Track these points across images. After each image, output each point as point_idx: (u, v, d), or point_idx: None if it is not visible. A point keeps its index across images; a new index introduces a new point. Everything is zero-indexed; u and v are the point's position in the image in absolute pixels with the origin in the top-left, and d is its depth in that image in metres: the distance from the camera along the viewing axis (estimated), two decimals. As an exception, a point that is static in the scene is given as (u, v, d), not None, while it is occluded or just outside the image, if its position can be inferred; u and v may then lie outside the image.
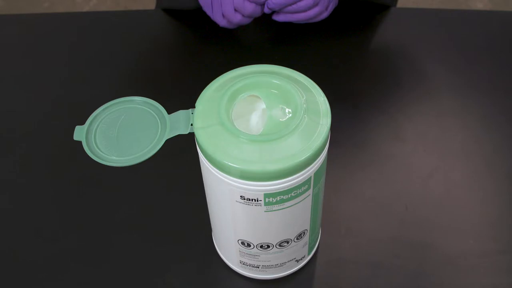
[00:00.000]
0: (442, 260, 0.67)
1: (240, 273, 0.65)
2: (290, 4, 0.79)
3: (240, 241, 0.60)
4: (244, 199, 0.53)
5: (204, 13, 0.85)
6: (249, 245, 0.60)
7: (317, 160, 0.53)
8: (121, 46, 0.91)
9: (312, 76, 0.57)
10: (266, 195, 0.53)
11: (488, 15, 1.04)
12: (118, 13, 1.15)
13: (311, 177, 0.53)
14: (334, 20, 0.88)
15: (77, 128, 0.56)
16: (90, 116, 0.57)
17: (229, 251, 0.64)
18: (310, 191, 0.55)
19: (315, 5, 0.80)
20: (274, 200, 0.53)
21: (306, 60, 0.77)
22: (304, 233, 0.60)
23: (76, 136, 0.56)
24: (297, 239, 0.60)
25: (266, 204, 0.53)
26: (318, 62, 0.87)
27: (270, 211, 0.54)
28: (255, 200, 0.53)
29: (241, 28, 0.90)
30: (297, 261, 0.64)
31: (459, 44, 0.90)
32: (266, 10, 0.81)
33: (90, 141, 0.56)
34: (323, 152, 0.53)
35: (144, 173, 0.74)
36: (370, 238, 0.69)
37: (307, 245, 0.63)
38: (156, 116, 0.57)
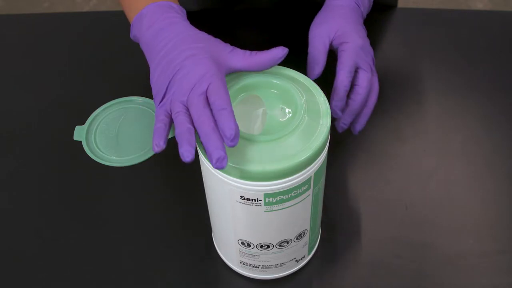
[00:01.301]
0: (442, 260, 0.67)
1: (240, 273, 0.65)
2: (347, 91, 0.62)
3: (240, 241, 0.60)
4: (244, 199, 0.53)
5: (204, 14, 0.85)
6: (249, 245, 0.59)
7: (317, 160, 0.53)
8: (121, 46, 0.91)
9: (312, 76, 0.57)
10: (266, 195, 0.53)
11: (488, 15, 1.04)
12: (118, 13, 1.15)
13: (311, 177, 0.53)
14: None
15: (77, 128, 0.56)
16: (90, 116, 0.57)
17: (229, 251, 0.64)
18: (310, 191, 0.55)
19: (371, 84, 0.64)
20: (274, 200, 0.53)
21: (306, 60, 0.77)
22: (304, 233, 0.60)
23: (76, 136, 0.56)
24: (297, 239, 0.60)
25: (266, 204, 0.53)
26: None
27: (270, 211, 0.54)
28: (255, 200, 0.53)
29: (241, 28, 0.90)
30: (297, 261, 0.64)
31: (459, 44, 0.90)
32: (341, 130, 0.65)
33: (90, 141, 0.56)
34: (323, 152, 0.53)
35: (144, 173, 0.73)
36: (370, 238, 0.69)
37: (307, 245, 0.63)
38: (156, 116, 0.57)
